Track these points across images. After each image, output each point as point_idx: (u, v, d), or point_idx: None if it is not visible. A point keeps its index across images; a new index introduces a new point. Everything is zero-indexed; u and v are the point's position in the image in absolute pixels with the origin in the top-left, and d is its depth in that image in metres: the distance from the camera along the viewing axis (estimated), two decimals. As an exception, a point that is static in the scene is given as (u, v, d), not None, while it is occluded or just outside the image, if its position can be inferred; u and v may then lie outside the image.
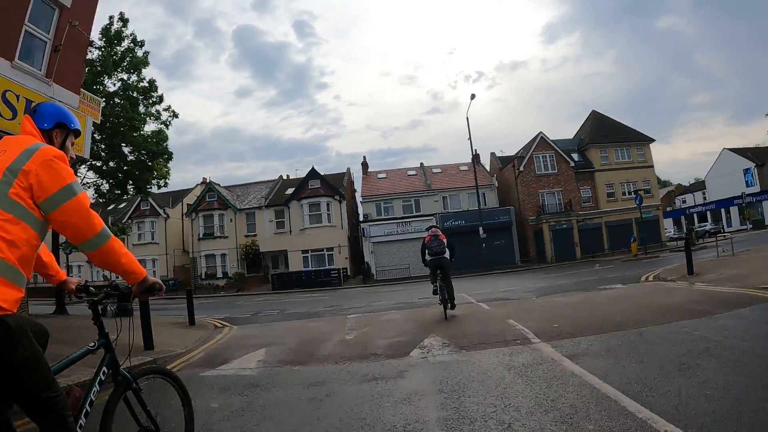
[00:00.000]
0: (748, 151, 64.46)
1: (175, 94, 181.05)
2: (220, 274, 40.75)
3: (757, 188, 58.71)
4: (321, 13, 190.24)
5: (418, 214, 40.42)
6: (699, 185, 72.87)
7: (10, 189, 2.08)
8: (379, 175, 47.04)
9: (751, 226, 51.82)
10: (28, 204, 2.13)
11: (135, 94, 19.90)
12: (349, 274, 39.65)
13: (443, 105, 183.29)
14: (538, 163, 41.40)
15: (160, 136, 20.45)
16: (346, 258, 40.65)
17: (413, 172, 47.10)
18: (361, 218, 41.60)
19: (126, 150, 19.78)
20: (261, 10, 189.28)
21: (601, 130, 45.98)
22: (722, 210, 63.05)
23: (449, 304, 10.52)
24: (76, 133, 2.62)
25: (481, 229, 34.16)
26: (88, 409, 2.44)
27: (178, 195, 50.67)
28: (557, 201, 40.73)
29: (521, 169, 40.67)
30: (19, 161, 2.14)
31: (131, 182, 20.33)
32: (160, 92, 20.66)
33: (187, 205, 47.10)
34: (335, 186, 43.17)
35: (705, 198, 69.08)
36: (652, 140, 46.89)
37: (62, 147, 2.48)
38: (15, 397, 2.13)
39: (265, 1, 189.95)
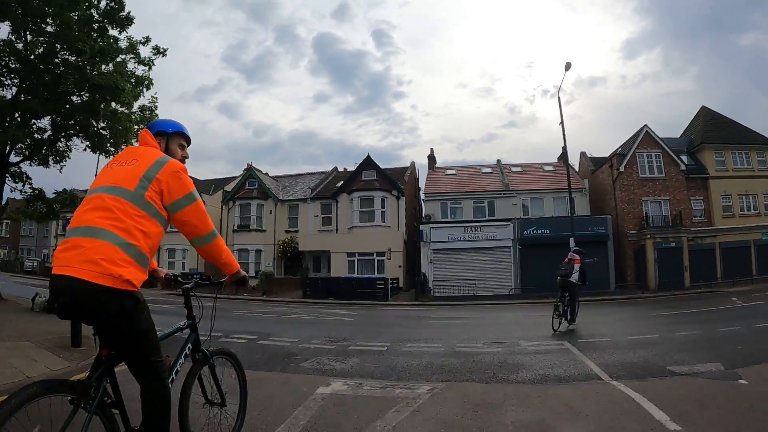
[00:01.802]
0: None
1: (255, 97, 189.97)
2: (252, 273, 34.71)
3: None
4: (399, 22, 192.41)
5: (491, 218, 33.70)
6: None
7: (146, 192, 2.67)
8: (448, 171, 40.41)
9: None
10: (159, 205, 2.72)
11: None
12: (401, 286, 33.40)
13: (520, 119, 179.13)
14: (642, 163, 34.02)
15: (120, 69, 15.93)
16: (400, 266, 34.37)
17: (488, 170, 40.31)
18: (423, 219, 34.75)
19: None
20: (340, 19, 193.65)
21: (716, 130, 38.14)
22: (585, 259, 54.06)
23: (567, 318, 12.61)
24: (183, 137, 3.26)
25: (572, 240, 27.06)
26: (174, 377, 3.05)
27: (221, 183, 45.61)
28: (664, 213, 33.42)
29: (621, 169, 33.34)
30: (153, 170, 2.74)
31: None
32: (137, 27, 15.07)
33: (226, 192, 41.43)
34: (394, 180, 36.65)
35: None
36: (776, 143, 38.56)
37: (168, 150, 3.13)
38: (128, 358, 2.70)
39: (345, 9, 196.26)
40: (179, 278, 3.46)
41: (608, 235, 31.66)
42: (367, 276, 32.22)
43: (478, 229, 32.06)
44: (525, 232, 31.54)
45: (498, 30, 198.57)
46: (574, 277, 13.23)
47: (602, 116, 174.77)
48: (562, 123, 28.60)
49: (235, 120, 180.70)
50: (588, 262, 30.14)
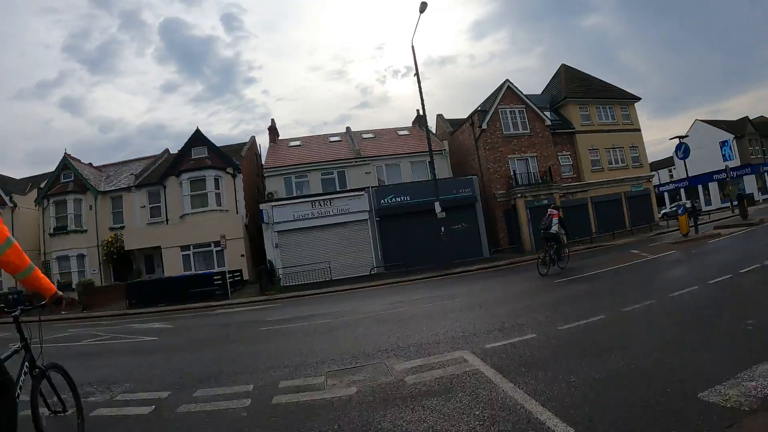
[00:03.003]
0: (723, 123, 58.05)
1: (100, 90, 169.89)
2: (76, 283, 27.77)
3: (736, 162, 52.33)
4: (250, 6, 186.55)
5: (343, 189, 29.15)
6: (664, 162, 65.45)
7: None
8: (292, 143, 35.53)
9: (736, 202, 43.57)
10: None
11: None
12: (247, 278, 28.23)
13: (372, 99, 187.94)
14: (506, 119, 31.25)
15: None
16: (243, 256, 29.25)
17: (337, 138, 35.94)
18: (266, 197, 29.68)
19: None
20: (188, 3, 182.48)
21: (578, 86, 36.62)
22: (699, 187, 55.70)
23: (557, 263, 15.16)
24: None
25: (437, 205, 23.45)
26: (19, 392, 3.36)
27: (38, 180, 37.49)
28: (532, 170, 30.75)
29: (484, 126, 30.28)
30: None
31: None
32: None
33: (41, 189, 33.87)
34: (229, 156, 31.44)
35: (671, 176, 62.19)
36: (638, 98, 37.83)
37: None
38: None
39: None
40: (5, 308, 4.00)
41: (476, 197, 28.45)
42: (202, 272, 26.77)
43: (328, 203, 27.59)
44: (382, 201, 27.53)
45: (349, 12, 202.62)
46: (554, 228, 15.19)
47: (453, 94, 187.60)
48: (417, 74, 24.86)
49: (80, 116, 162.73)
50: (456, 228, 27.30)
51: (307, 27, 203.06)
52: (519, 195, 28.73)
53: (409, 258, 25.64)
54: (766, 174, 53.65)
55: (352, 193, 27.93)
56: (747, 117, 56.55)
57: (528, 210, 28.75)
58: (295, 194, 29.78)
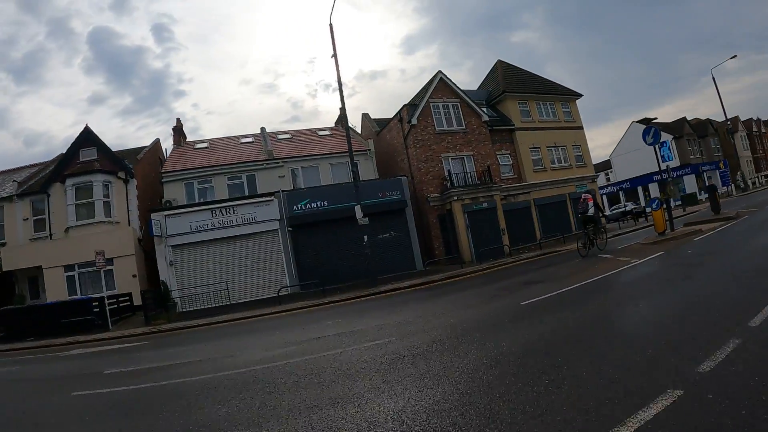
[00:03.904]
0: (660, 124, 57.39)
1: (26, 101, 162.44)
2: None
3: (676, 162, 51.88)
4: (182, 16, 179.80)
5: (252, 194, 24.80)
6: (599, 167, 64.71)
7: None
8: (199, 145, 30.83)
9: (679, 202, 43.51)
10: None
11: None
12: (141, 303, 23.43)
13: (303, 113, 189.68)
14: (438, 114, 27.76)
15: None
16: (134, 276, 24.25)
17: (249, 140, 31.47)
18: (163, 206, 24.91)
19: None
20: (119, 11, 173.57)
21: (516, 81, 33.81)
22: (639, 188, 55.16)
23: (595, 246, 16.45)
24: None
25: (358, 209, 19.59)
26: None
27: None
28: (468, 169, 27.28)
29: (414, 122, 26.64)
30: None
31: None
32: None
33: None
34: (121, 159, 26.60)
35: (609, 179, 61.39)
36: (579, 95, 35.46)
37: None
38: None
39: (124, 1, 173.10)
40: None
41: (406, 201, 24.75)
42: (78, 298, 21.88)
43: (231, 211, 23.21)
44: (295, 208, 23.42)
45: (282, 26, 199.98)
46: (591, 211, 16.45)
47: (383, 107, 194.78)
48: (335, 56, 21.00)
49: (3, 129, 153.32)
50: (383, 237, 23.50)
51: (239, 40, 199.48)
52: (455, 198, 25.21)
53: (329, 274, 21.73)
54: (705, 174, 52.95)
55: (260, 199, 23.65)
56: (684, 118, 56.27)
57: (466, 215, 25.30)
58: (198, 202, 25.23)
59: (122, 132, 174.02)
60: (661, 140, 18.18)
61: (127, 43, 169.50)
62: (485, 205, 25.88)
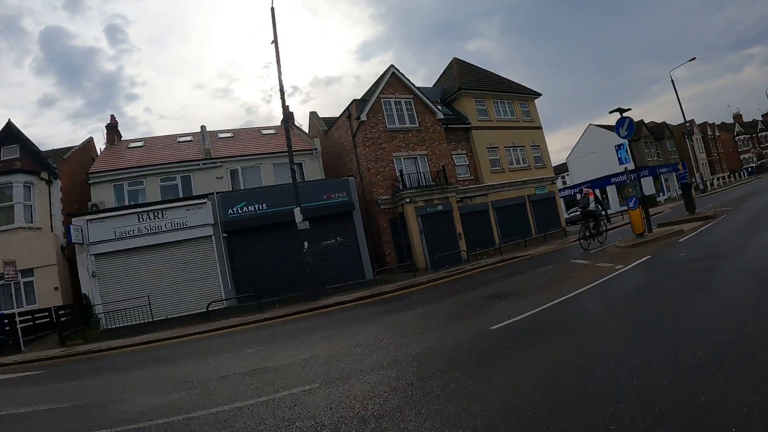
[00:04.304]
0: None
1: None
2: None
3: (633, 165, 50.90)
4: (136, 18, 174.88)
5: (187, 196, 22.48)
6: (556, 170, 64.53)
7: None
8: (133, 144, 28.23)
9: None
10: None
11: None
12: (66, 318, 20.83)
13: (257, 119, 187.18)
14: (390, 111, 25.99)
15: None
16: (57, 289, 21.60)
17: (188, 138, 29.16)
18: (91, 210, 22.32)
19: None
20: (72, 11, 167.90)
21: (473, 79, 32.27)
22: (596, 191, 54.68)
23: (595, 239, 16.93)
24: None
25: (297, 212, 17.68)
26: None
27: None
28: (422, 169, 25.54)
29: (363, 118, 24.78)
30: None
31: None
32: None
33: None
34: (45, 158, 23.89)
35: (565, 182, 61.20)
36: (538, 94, 34.26)
37: None
38: None
39: (78, 0, 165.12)
40: None
41: (353, 203, 22.76)
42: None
43: (160, 215, 20.89)
44: (230, 211, 21.25)
45: (237, 30, 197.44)
46: (592, 205, 17.49)
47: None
48: (275, 42, 19.13)
49: None
50: (329, 244, 21.58)
51: (193, 43, 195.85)
52: (407, 200, 23.43)
53: (269, 285, 19.97)
54: (662, 176, 52.91)
55: (191, 202, 21.36)
56: (642, 120, 56.18)
57: (419, 218, 23.56)
58: (123, 205, 22.74)
59: (72, 137, 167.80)
60: (632, 131, 16.56)
61: (80, 44, 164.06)
62: (440, 207, 24.19)
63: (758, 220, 14.36)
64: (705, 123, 74.53)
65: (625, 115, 16.94)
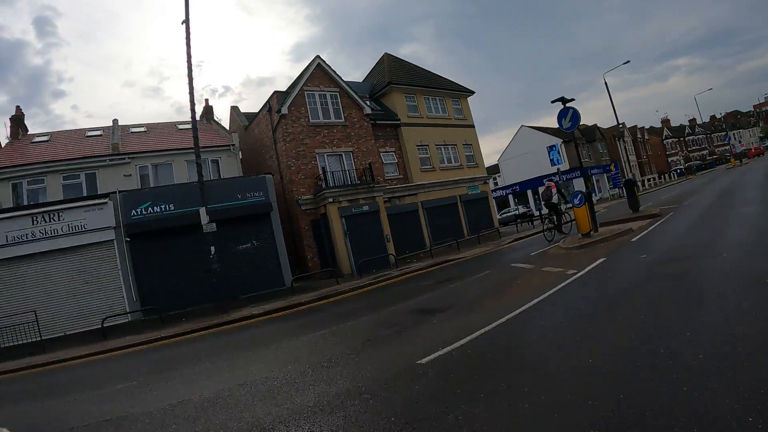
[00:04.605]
0: (548, 129, 59.04)
1: None
2: None
3: (566, 165, 52.84)
4: (67, 10, 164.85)
5: (87, 196, 20.32)
6: (489, 170, 65.16)
7: None
8: (38, 138, 25.59)
9: (570, 204, 42.45)
10: None
11: None
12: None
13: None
14: (314, 104, 24.57)
15: None
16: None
17: (97, 133, 26.71)
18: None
19: None
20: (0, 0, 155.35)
21: (404, 73, 31.24)
22: (529, 192, 55.70)
23: (557, 231, 17.76)
24: None
25: (203, 212, 16.18)
26: None
27: None
28: (347, 167, 24.33)
29: (284, 111, 23.23)
30: None
31: None
32: None
33: None
34: None
35: (496, 183, 61.63)
36: (471, 92, 33.60)
37: None
38: None
39: None
40: None
41: (271, 203, 21.12)
42: None
43: (57, 217, 18.66)
44: (134, 212, 19.27)
45: (169, 27, 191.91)
46: (555, 198, 17.42)
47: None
48: (186, 23, 17.54)
49: None
50: (244, 248, 20.03)
51: (125, 39, 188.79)
52: (330, 199, 22.10)
53: (180, 295, 18.09)
54: (593, 177, 53.67)
55: (91, 202, 19.17)
56: None
57: (343, 219, 22.27)
58: (14, 206, 20.35)
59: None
60: (577, 123, 15.57)
61: (7, 36, 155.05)
62: (366, 208, 22.98)
63: (712, 218, 13.84)
64: (635, 126, 76.95)
65: (569, 105, 15.89)
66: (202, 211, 16.36)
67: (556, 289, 8.59)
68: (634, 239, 12.88)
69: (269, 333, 11.09)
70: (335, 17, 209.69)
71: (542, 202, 18.48)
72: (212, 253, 16.17)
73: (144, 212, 19.41)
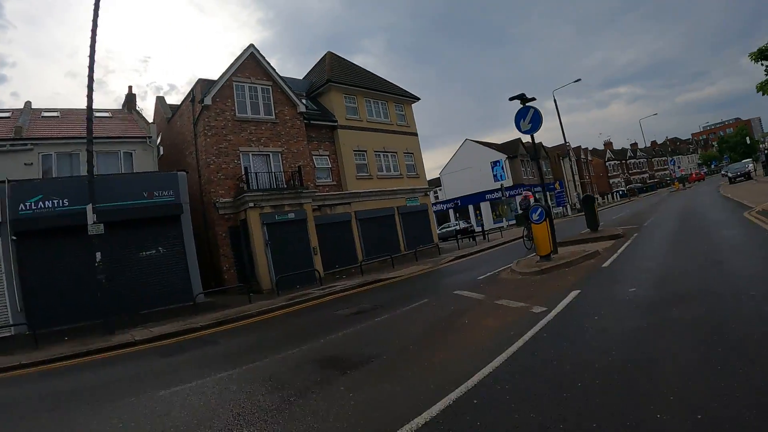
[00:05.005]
0: (493, 144, 58.83)
1: None
2: None
3: (509, 182, 52.87)
4: None
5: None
6: (430, 183, 64.65)
7: None
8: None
9: (513, 221, 44.15)
10: None
11: None
12: None
13: (109, 107, 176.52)
14: (242, 97, 22.54)
15: None
16: None
17: (6, 114, 23.65)
18: None
19: None
20: None
21: (346, 73, 29.58)
22: (470, 207, 55.25)
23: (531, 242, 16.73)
24: None
25: (89, 210, 14.00)
26: None
27: None
28: (274, 169, 22.44)
29: (207, 101, 21.09)
30: None
31: None
32: None
33: None
34: None
35: (437, 197, 61.14)
36: (416, 98, 32.30)
37: None
38: None
39: None
40: None
41: (182, 205, 18.81)
42: None
43: None
44: (23, 207, 16.60)
45: (118, 18, 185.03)
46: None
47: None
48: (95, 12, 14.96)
49: None
50: (149, 255, 17.76)
51: (71, 26, 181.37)
52: (252, 204, 20.01)
53: (72, 307, 15.72)
54: (537, 194, 53.68)
55: (-28, 195, 16.59)
56: (519, 139, 57.16)
57: (265, 227, 20.21)
58: None
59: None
60: (538, 126, 13.94)
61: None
62: (292, 216, 21.02)
63: (691, 240, 12.70)
64: (579, 147, 78.18)
65: (529, 104, 14.32)
66: (89, 209, 14.11)
67: (524, 341, 6.20)
68: (605, 264, 11.33)
69: (137, 373, 8.65)
70: (288, 23, 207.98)
71: (521, 212, 19.90)
72: (98, 260, 13.93)
73: (34, 207, 16.72)
